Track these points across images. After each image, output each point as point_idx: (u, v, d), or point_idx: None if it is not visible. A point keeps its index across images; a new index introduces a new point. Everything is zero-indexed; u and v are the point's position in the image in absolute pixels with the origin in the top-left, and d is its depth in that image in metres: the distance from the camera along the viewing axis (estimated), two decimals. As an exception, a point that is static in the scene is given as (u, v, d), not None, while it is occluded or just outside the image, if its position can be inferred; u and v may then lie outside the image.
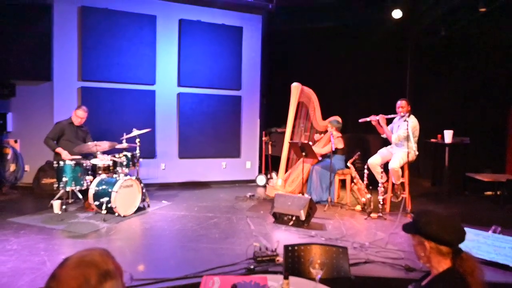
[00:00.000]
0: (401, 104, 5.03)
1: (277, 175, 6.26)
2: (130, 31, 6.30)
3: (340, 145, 5.66)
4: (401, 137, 4.95)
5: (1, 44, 5.73)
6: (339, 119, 5.83)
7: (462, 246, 3.44)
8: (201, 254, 3.43)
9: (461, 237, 1.61)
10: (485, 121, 6.98)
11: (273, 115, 7.58)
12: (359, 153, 5.41)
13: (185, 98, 6.77)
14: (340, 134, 5.77)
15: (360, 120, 5.31)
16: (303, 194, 5.34)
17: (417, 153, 5.02)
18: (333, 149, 5.41)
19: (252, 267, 3.02)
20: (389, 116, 5.17)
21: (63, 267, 1.01)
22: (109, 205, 4.44)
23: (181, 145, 6.79)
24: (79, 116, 5.09)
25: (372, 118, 5.20)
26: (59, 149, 4.88)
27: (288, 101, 6.04)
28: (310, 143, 5.57)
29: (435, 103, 7.35)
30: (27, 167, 6.12)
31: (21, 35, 5.79)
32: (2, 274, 2.87)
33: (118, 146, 4.99)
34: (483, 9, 5.27)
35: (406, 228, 1.73)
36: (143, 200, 5.02)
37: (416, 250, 1.68)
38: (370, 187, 4.97)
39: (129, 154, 4.96)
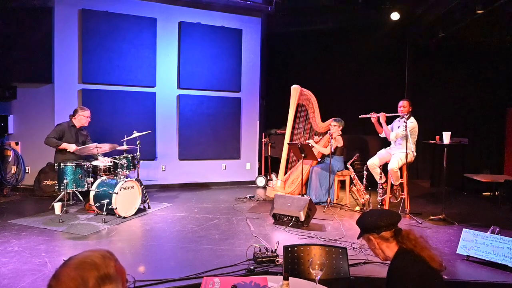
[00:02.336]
0: (403, 104, 5.07)
1: (276, 176, 6.29)
2: (130, 33, 6.33)
3: (340, 143, 5.68)
4: (399, 135, 4.98)
5: (2, 47, 5.76)
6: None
7: (461, 246, 3.44)
8: (201, 255, 3.45)
9: (393, 218, 1.80)
10: (483, 122, 7.02)
11: (272, 117, 7.61)
12: (358, 154, 5.44)
13: (185, 100, 6.80)
14: (340, 133, 5.79)
15: (360, 116, 5.35)
16: (302, 195, 5.37)
17: (415, 154, 5.06)
18: (332, 150, 5.43)
19: (252, 268, 3.04)
20: (390, 115, 5.21)
21: (64, 266, 1.02)
22: (109, 207, 4.46)
23: (181, 147, 6.81)
24: (87, 116, 5.06)
25: (373, 115, 5.25)
26: (64, 144, 4.84)
27: (288, 103, 6.07)
28: (310, 143, 5.59)
29: (434, 104, 7.39)
30: (28, 169, 6.14)
31: (22, 38, 5.82)
32: (3, 275, 2.89)
33: (119, 148, 5.01)
34: (480, 11, 5.30)
35: (358, 235, 1.92)
36: (143, 201, 5.05)
37: (371, 248, 1.86)
38: (369, 188, 4.99)
39: (129, 156, 4.98)
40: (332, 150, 5.44)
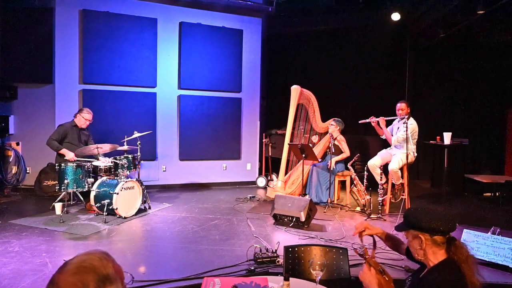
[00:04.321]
0: (401, 106, 5.07)
1: (277, 176, 6.29)
2: (131, 34, 6.34)
3: (346, 153, 5.63)
4: (400, 139, 4.98)
5: (3, 47, 5.77)
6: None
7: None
8: (202, 256, 3.45)
9: (452, 225, 1.65)
10: (483, 122, 7.01)
11: (273, 117, 7.62)
12: (358, 154, 5.44)
13: (185, 100, 6.80)
14: (343, 138, 5.77)
15: (360, 121, 5.36)
16: (303, 195, 5.36)
17: (416, 154, 5.06)
18: (333, 150, 5.44)
19: (252, 268, 3.03)
20: (389, 118, 5.21)
21: (62, 272, 1.00)
22: (110, 207, 4.46)
23: (182, 147, 6.81)
24: (87, 118, 5.11)
25: (372, 120, 5.25)
26: (63, 150, 4.88)
27: (288, 103, 6.08)
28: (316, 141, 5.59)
29: (434, 105, 7.39)
30: (28, 169, 6.15)
31: (23, 39, 5.83)
32: (3, 276, 2.89)
33: (120, 148, 5.01)
34: (481, 11, 5.30)
35: (399, 227, 1.79)
36: (144, 201, 5.05)
37: (412, 245, 1.71)
38: (370, 189, 4.99)
39: (130, 156, 4.98)
40: (333, 150, 5.43)
